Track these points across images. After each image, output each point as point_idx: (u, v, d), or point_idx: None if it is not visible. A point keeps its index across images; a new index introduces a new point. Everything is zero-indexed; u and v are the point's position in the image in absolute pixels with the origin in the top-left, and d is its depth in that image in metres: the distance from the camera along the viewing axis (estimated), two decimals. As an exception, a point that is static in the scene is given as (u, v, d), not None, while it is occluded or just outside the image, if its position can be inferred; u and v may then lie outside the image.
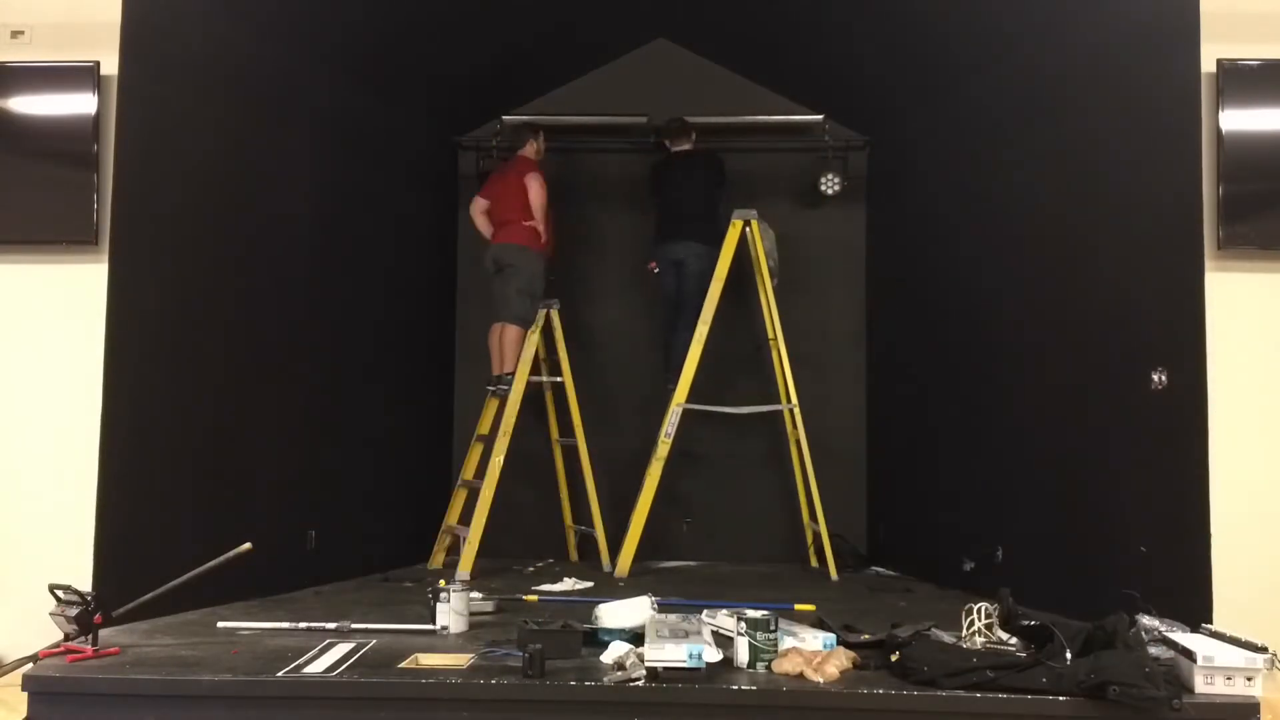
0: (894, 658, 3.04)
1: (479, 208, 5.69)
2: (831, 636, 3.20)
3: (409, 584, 4.87)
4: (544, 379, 5.84)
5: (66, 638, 3.22)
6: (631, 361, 6.24)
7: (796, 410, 5.57)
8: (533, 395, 5.83)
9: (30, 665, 3.05)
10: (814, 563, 5.74)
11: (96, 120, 4.46)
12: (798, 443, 5.63)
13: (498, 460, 5.35)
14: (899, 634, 3.19)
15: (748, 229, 5.57)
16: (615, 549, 5.51)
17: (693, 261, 5.68)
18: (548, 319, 5.73)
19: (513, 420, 5.43)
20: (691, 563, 5.86)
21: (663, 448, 5.38)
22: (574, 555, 6.00)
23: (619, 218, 6.34)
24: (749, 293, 5.93)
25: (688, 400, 5.38)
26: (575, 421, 5.77)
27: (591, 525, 5.76)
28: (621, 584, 5.00)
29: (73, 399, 4.38)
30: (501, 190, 5.62)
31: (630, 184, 6.33)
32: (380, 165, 5.50)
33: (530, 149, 5.73)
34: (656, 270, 5.83)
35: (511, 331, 5.51)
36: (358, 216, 5.27)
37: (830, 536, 6.01)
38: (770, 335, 5.72)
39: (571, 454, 5.90)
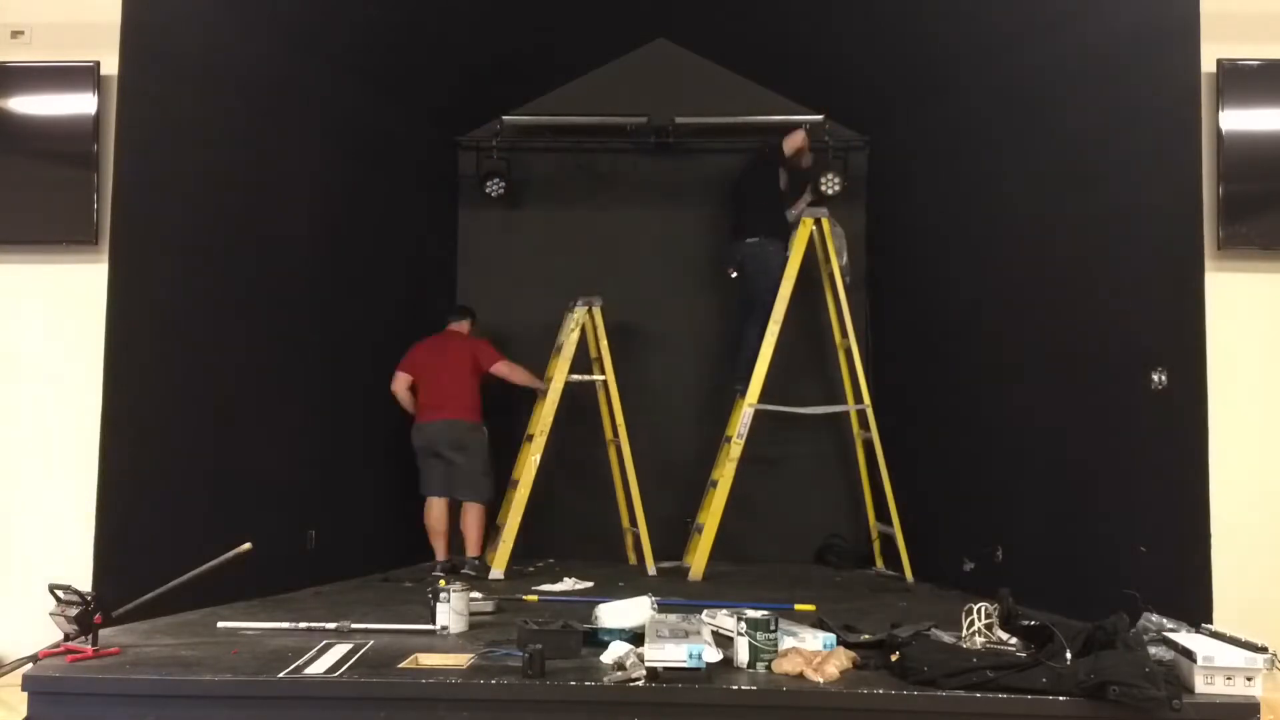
0: (894, 658, 3.04)
1: (402, 383, 5.41)
2: (831, 636, 3.20)
3: (409, 584, 4.87)
4: (583, 377, 5.74)
5: (66, 638, 3.22)
6: (649, 362, 6.24)
7: (869, 410, 5.57)
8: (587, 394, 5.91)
9: (30, 665, 3.05)
10: (879, 565, 5.72)
11: (96, 120, 4.46)
12: (868, 443, 5.62)
13: (534, 459, 5.39)
14: (899, 634, 3.19)
15: (818, 228, 5.58)
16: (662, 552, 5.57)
17: (749, 261, 5.68)
18: (590, 318, 5.68)
19: (550, 420, 5.44)
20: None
21: (735, 448, 5.38)
22: (632, 558, 5.88)
23: (619, 217, 6.34)
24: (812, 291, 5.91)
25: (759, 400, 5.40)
26: (619, 421, 5.72)
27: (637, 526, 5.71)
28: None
29: (72, 399, 4.38)
30: (439, 364, 5.41)
31: (630, 184, 6.34)
32: (380, 165, 5.50)
33: (464, 327, 5.66)
34: (734, 275, 5.83)
35: (476, 510, 5.40)
36: (358, 216, 5.28)
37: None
38: (840, 335, 5.72)
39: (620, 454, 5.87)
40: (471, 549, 5.39)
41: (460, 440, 5.35)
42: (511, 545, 5.31)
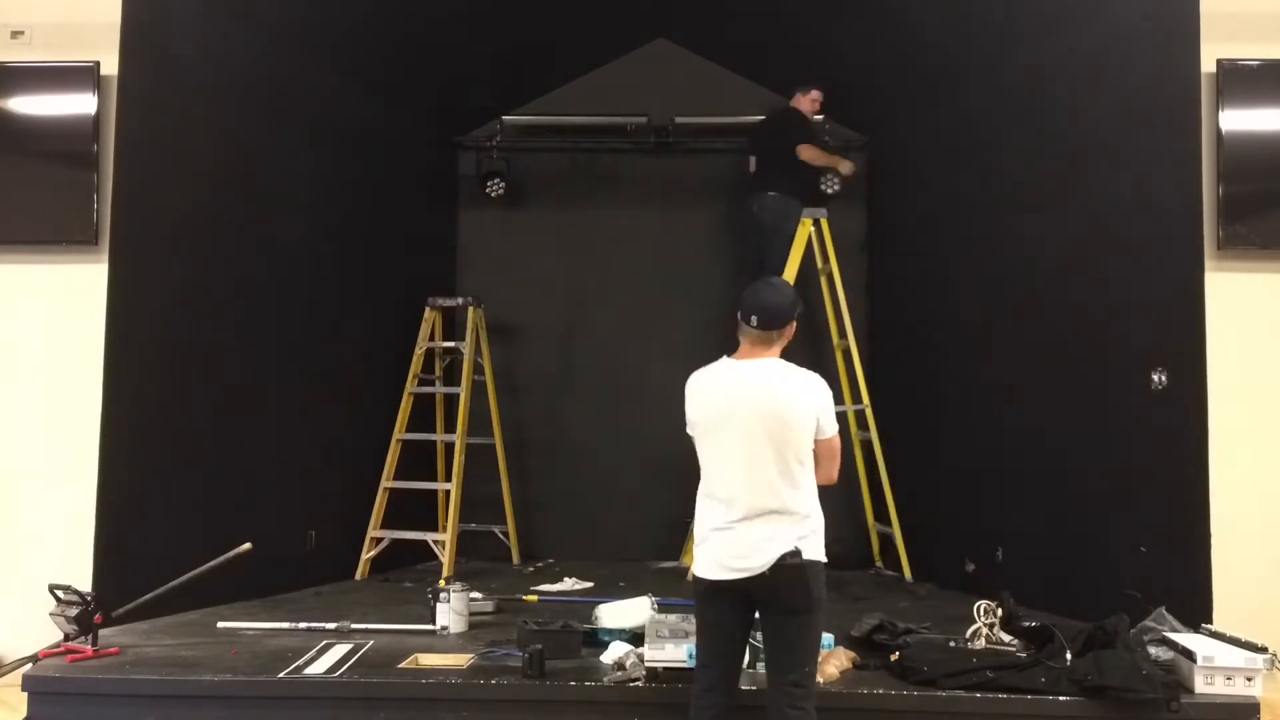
0: (894, 658, 3.04)
1: None
2: (830, 636, 3.21)
3: (409, 584, 4.87)
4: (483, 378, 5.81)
5: (66, 638, 3.22)
6: (647, 361, 6.23)
7: (868, 410, 5.57)
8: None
9: (30, 665, 3.05)
10: (879, 564, 5.72)
11: (96, 120, 4.46)
12: (866, 443, 5.62)
13: (460, 460, 5.40)
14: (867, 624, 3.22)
15: (816, 228, 5.58)
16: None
17: (767, 213, 5.60)
18: (470, 317, 5.68)
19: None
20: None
21: None
22: (515, 557, 5.90)
23: (619, 217, 6.34)
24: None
25: None
26: (494, 419, 5.85)
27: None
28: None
29: (73, 399, 4.38)
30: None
31: (630, 184, 6.33)
32: (380, 165, 5.50)
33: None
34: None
35: None
36: (358, 216, 5.27)
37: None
38: (838, 336, 5.72)
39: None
40: None
41: None
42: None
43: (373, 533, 5.23)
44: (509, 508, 5.90)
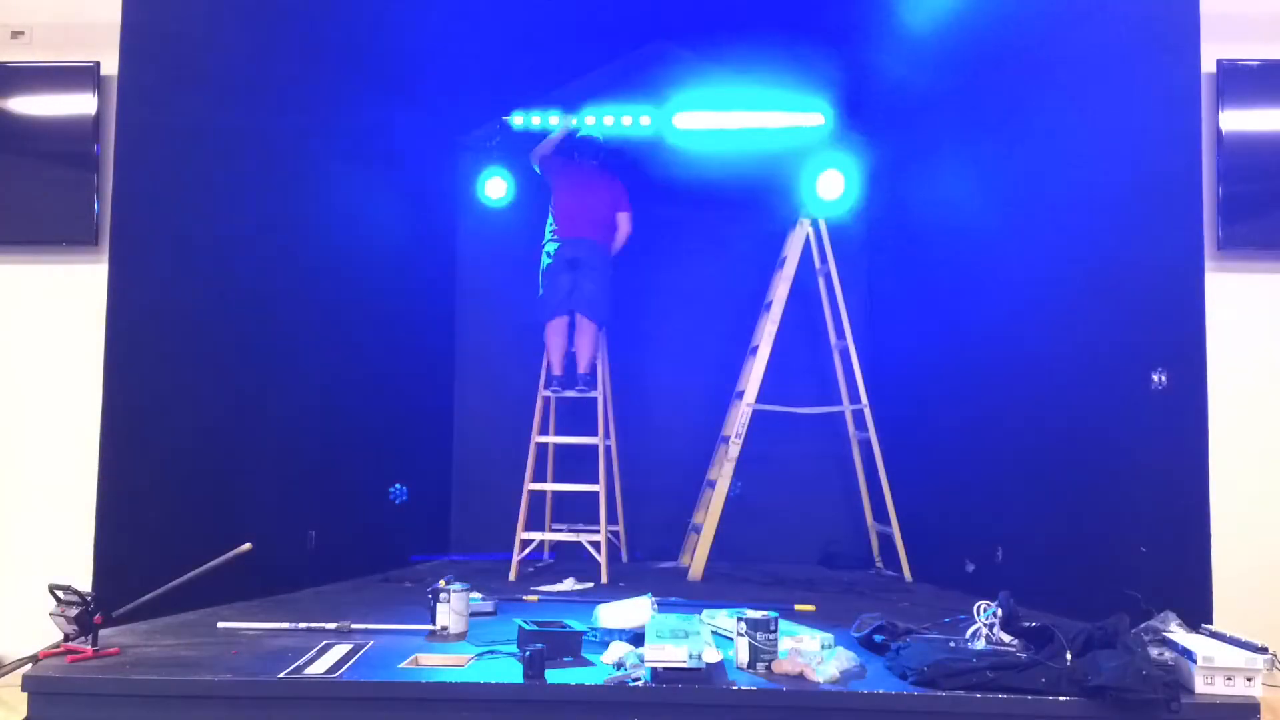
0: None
1: None
2: (830, 636, 3.21)
3: (409, 584, 4.87)
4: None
5: (66, 638, 3.22)
6: (647, 362, 6.24)
7: (866, 410, 5.58)
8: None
9: (30, 665, 3.05)
10: (879, 564, 5.73)
11: (96, 120, 4.47)
12: (864, 443, 5.64)
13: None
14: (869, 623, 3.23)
15: (814, 229, 5.59)
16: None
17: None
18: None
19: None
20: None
21: (733, 448, 5.39)
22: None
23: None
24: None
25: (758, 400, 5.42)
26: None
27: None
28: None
29: (72, 399, 4.38)
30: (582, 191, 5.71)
31: (630, 184, 6.34)
32: (380, 164, 5.50)
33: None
34: None
35: (590, 328, 5.56)
36: (358, 215, 5.27)
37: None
38: (835, 336, 5.73)
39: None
40: (557, 364, 5.62)
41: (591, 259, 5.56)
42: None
43: (522, 535, 5.29)
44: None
